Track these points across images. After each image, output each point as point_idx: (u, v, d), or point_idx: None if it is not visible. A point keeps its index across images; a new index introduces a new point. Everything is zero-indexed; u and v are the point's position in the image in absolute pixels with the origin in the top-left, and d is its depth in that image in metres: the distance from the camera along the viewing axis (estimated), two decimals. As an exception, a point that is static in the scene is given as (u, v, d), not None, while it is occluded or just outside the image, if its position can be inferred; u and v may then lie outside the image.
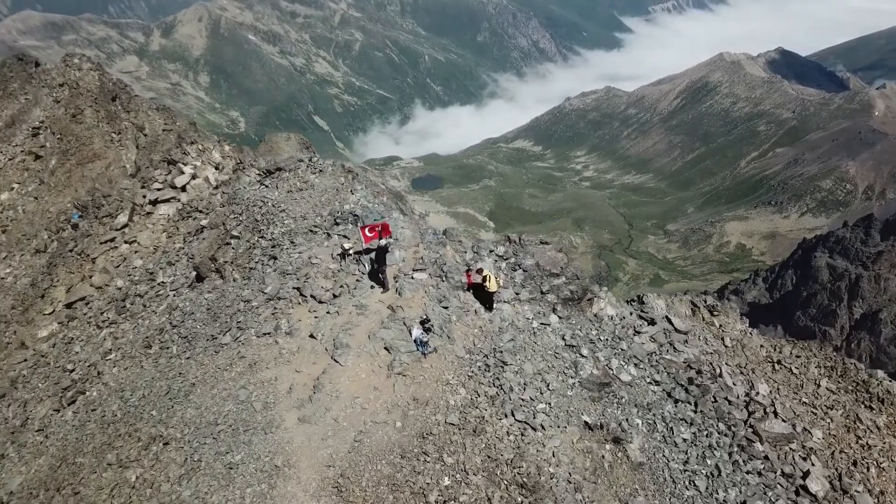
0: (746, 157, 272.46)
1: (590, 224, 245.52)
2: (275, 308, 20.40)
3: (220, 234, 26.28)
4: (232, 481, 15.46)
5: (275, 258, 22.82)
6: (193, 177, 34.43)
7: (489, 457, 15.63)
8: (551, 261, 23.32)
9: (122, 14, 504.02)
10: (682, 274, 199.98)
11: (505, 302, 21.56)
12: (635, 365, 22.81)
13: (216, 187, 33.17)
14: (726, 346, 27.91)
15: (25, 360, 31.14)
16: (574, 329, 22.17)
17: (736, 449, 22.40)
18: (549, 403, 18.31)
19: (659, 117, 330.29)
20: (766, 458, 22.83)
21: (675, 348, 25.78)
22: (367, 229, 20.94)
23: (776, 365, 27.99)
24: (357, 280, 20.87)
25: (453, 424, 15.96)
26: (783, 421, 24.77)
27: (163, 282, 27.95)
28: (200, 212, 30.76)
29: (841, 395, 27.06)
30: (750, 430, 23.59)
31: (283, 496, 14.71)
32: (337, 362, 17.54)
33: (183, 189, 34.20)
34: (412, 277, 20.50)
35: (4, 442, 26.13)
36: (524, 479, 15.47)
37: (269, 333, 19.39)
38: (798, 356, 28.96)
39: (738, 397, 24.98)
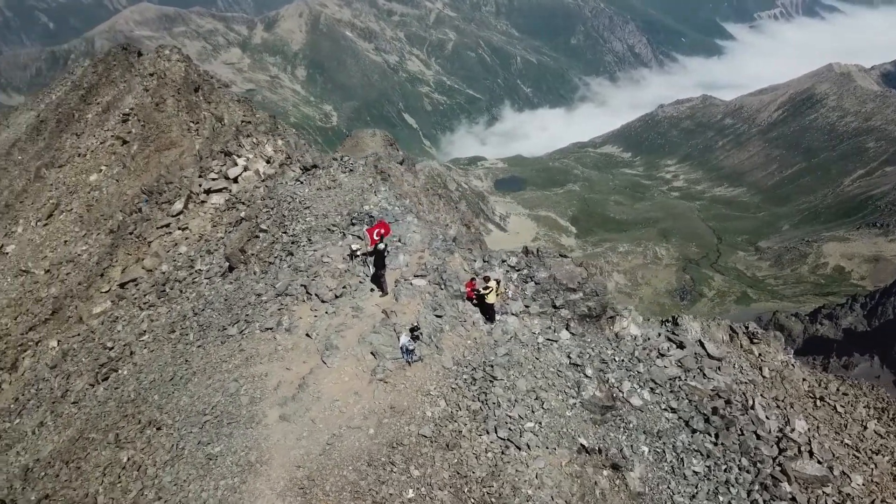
0: (851, 174, 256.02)
1: (676, 235, 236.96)
2: (281, 304, 20.68)
3: (251, 226, 26.92)
4: (209, 472, 15.75)
5: (291, 254, 23.16)
6: (245, 169, 35.54)
7: (458, 473, 15.20)
8: (569, 275, 22.48)
9: (229, 8, 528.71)
10: (772, 294, 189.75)
11: (512, 314, 20.97)
12: (651, 389, 21.72)
13: (263, 180, 34.09)
14: (764, 377, 26.19)
15: (78, 335, 33.05)
16: (585, 347, 21.30)
17: (757, 487, 21.00)
18: (540, 423, 17.65)
19: (757, 129, 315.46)
20: (794, 499, 21.32)
21: (704, 375, 24.40)
22: (374, 231, 20.88)
23: (819, 401, 26.05)
24: (360, 282, 20.89)
25: (425, 436, 15.63)
26: (819, 462, 23.02)
27: (199, 269, 28.95)
28: (243, 203, 31.66)
29: (890, 440, 24.90)
30: (778, 468, 22.07)
31: (252, 492, 14.84)
32: (325, 363, 17.58)
33: (235, 180, 35.35)
34: (411, 283, 20.31)
35: (46, 411, 27.80)
36: (493, 499, 14.96)
37: (271, 329, 19.67)
38: (845, 394, 26.85)
39: (769, 432, 23.39)
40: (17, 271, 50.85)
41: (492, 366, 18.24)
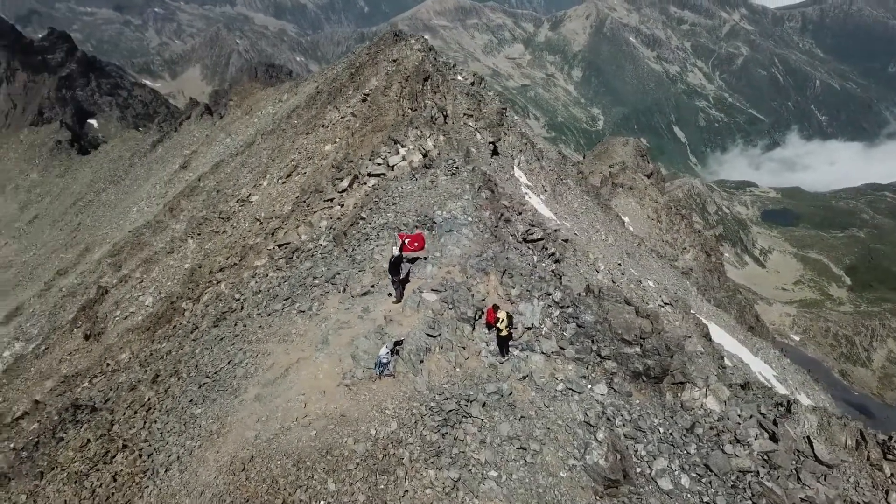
0: None
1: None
2: (323, 291, 21.29)
3: (358, 211, 27.97)
4: (186, 430, 16.96)
5: (360, 245, 23.65)
6: (403, 159, 36.89)
7: (376, 499, 14.42)
8: (626, 325, 19.87)
9: (521, 5, 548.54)
10: None
11: (542, 353, 19.14)
12: (697, 477, 18.47)
13: (412, 171, 35.05)
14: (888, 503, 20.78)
15: (233, 282, 37.31)
16: (620, 409, 18.74)
17: None
18: (511, 474, 15.98)
19: None
20: None
21: (798, 479, 20.19)
22: (405, 237, 20.57)
23: (958, 556, 19.99)
24: (387, 284, 20.64)
25: (356, 453, 15.01)
26: None
27: (321, 244, 30.82)
28: (377, 189, 32.92)
29: None
30: None
31: (199, 459, 15.68)
32: (313, 356, 17.77)
33: (392, 168, 36.91)
34: (421, 295, 19.49)
35: (178, 343, 31.82)
36: (403, 539, 13.99)
37: (303, 312, 20.38)
38: None
39: (863, 573, 18.72)
40: (253, 219, 58.79)
41: (469, 401, 16.92)
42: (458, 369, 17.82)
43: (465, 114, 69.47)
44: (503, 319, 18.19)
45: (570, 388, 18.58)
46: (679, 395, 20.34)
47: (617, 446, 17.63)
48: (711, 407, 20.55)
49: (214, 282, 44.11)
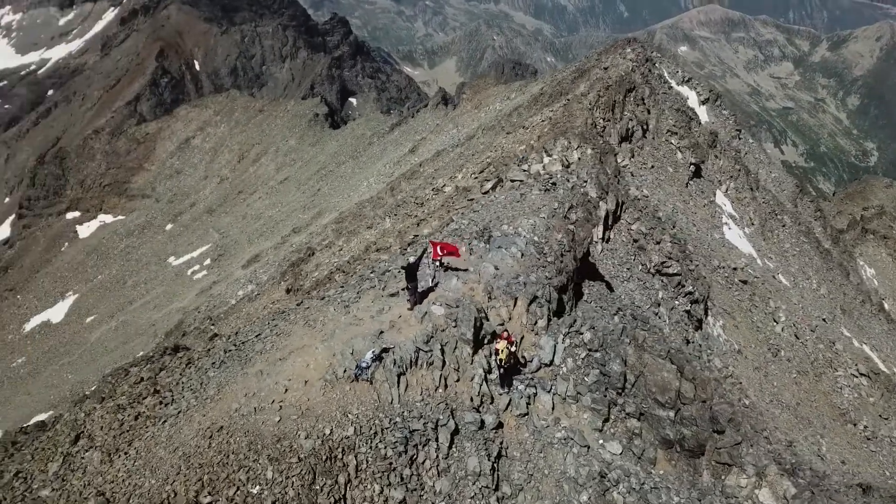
0: None
1: None
2: (371, 285, 21.41)
3: (452, 215, 27.67)
4: (197, 389, 18.16)
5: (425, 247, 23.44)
6: (544, 168, 35.66)
7: (302, 497, 14.21)
8: (662, 385, 17.21)
9: (799, 21, 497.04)
10: None
11: (556, 395, 17.33)
12: (705, 577, 15.59)
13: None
14: None
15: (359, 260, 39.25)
16: (632, 474, 16.35)
17: None
18: (464, 513, 14.83)
19: None
20: None
21: None
22: (438, 245, 19.78)
23: None
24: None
25: (303, 448, 14.83)
26: None
27: (430, 239, 30.88)
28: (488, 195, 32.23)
29: None
30: None
31: (188, 418, 16.71)
32: (316, 346, 17.91)
33: (531, 176, 35.90)
34: (430, 307, 18.43)
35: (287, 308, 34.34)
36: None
37: (341, 302, 20.70)
38: None
39: None
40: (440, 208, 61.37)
41: (438, 426, 15.83)
42: (440, 390, 16.89)
43: (668, 130, 65.73)
44: (501, 350, 16.95)
45: (570, 438, 16.74)
46: (722, 477, 17.39)
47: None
48: (765, 501, 17.28)
49: (366, 260, 46.84)
